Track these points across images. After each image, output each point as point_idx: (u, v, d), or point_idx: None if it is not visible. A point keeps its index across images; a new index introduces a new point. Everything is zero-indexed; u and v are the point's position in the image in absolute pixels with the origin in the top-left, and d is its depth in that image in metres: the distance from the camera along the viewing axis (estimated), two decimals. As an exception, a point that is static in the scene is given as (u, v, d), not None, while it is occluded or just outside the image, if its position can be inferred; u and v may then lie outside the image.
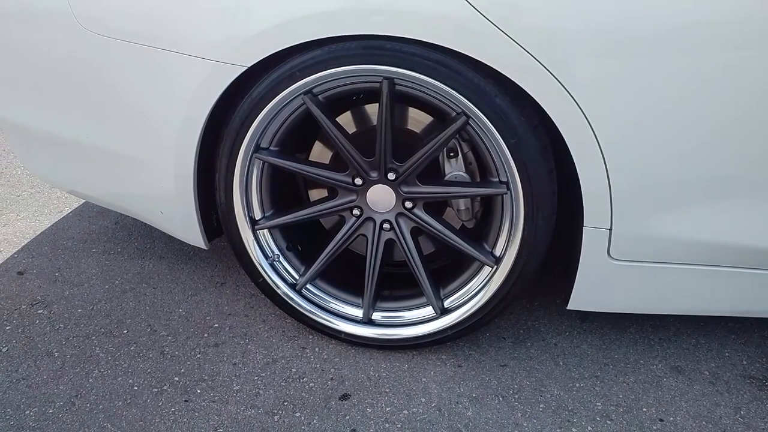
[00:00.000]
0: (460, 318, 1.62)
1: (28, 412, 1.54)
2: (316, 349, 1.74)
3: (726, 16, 1.21)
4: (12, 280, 2.07)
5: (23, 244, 2.29)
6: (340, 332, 1.72)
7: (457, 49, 1.32)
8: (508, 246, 1.53)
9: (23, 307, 1.93)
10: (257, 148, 1.58)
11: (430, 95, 1.44)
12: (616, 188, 1.37)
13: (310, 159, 1.81)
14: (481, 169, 1.61)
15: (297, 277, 1.74)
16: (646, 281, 1.51)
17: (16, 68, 1.78)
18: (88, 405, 1.55)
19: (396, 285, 1.78)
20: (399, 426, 1.50)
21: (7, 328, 1.83)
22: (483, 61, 1.32)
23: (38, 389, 1.60)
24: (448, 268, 1.75)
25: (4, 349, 1.74)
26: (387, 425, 1.50)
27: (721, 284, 1.50)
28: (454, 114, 1.45)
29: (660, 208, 1.40)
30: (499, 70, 1.32)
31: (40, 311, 1.91)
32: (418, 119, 1.67)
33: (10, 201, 2.62)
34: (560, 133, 1.34)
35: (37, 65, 1.71)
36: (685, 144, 1.32)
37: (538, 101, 1.32)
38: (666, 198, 1.39)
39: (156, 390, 1.60)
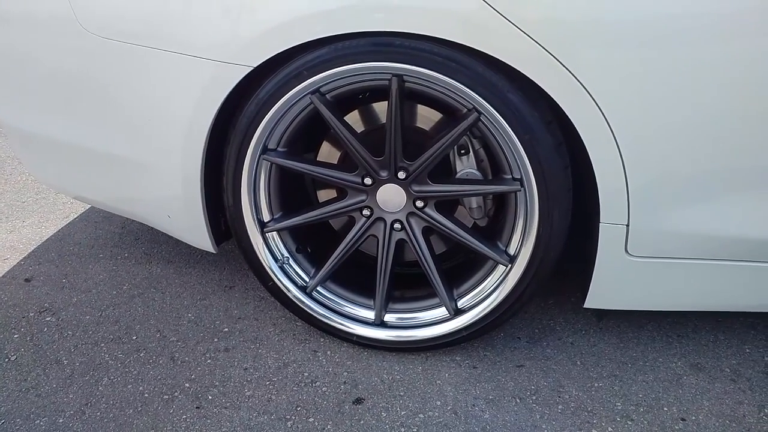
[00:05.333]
0: (475, 318, 1.59)
1: (38, 421, 1.51)
2: (328, 353, 1.71)
3: (748, 4, 1.17)
4: (19, 287, 2.05)
5: (30, 250, 2.27)
6: (353, 335, 1.69)
7: (465, 43, 1.28)
8: (522, 244, 1.50)
9: (31, 314, 1.91)
10: (265, 150, 1.55)
11: (440, 92, 1.41)
12: (634, 183, 1.34)
13: (318, 159, 1.78)
14: (494, 166, 1.58)
15: (307, 280, 1.71)
16: (664, 277, 1.48)
17: (19, 73, 1.76)
18: (99, 413, 1.53)
19: (408, 286, 1.75)
20: (415, 430, 1.47)
21: (15, 336, 1.81)
22: (492, 55, 1.28)
23: (48, 398, 1.58)
24: (460, 268, 1.72)
25: (12, 358, 1.72)
26: (403, 429, 1.47)
27: (740, 279, 1.46)
28: (465, 110, 1.42)
29: (678, 203, 1.37)
30: (509, 63, 1.28)
31: (48, 318, 1.89)
32: (427, 117, 1.64)
33: (15, 207, 2.60)
34: (574, 128, 1.31)
35: (40, 69, 1.70)
36: (704, 136, 1.29)
37: (551, 95, 1.29)
38: (684, 192, 1.36)
39: (167, 397, 1.58)
